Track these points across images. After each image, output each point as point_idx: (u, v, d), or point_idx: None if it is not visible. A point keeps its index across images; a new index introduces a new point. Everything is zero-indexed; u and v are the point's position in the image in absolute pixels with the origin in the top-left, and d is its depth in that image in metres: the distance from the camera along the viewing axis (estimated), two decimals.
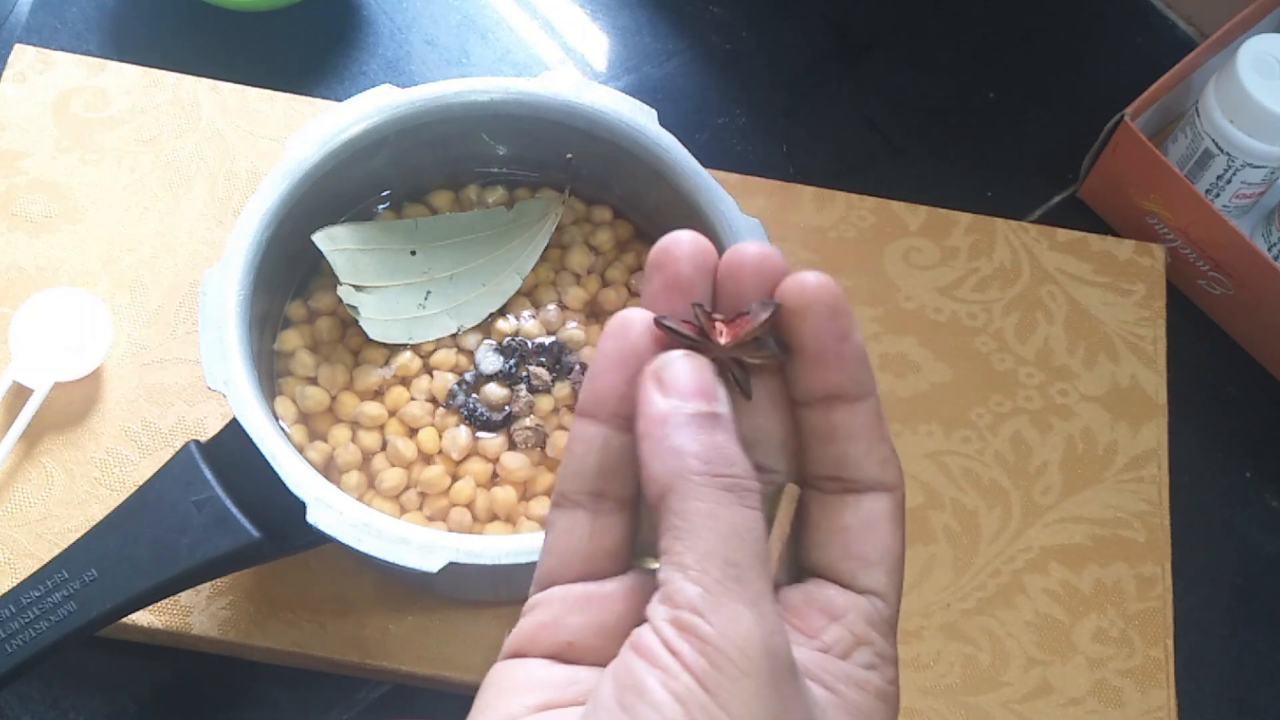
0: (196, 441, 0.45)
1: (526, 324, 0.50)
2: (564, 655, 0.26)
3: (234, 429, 0.44)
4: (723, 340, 0.26)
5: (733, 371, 0.27)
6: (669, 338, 0.26)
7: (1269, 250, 0.60)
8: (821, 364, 0.26)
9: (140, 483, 0.44)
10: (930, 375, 0.56)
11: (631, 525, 0.27)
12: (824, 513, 0.27)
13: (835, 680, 0.25)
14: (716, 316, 0.26)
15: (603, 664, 0.25)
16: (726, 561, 0.23)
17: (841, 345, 0.26)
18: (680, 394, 0.25)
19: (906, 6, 0.69)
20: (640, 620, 0.25)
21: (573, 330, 0.50)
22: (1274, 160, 0.57)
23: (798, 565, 0.27)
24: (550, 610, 0.26)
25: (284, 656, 0.50)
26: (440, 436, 0.48)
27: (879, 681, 0.25)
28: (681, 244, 0.26)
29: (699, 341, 0.26)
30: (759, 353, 0.26)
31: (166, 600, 0.47)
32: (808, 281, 0.26)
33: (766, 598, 0.23)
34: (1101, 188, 0.62)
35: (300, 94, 0.60)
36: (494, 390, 0.49)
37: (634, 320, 0.26)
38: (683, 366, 0.25)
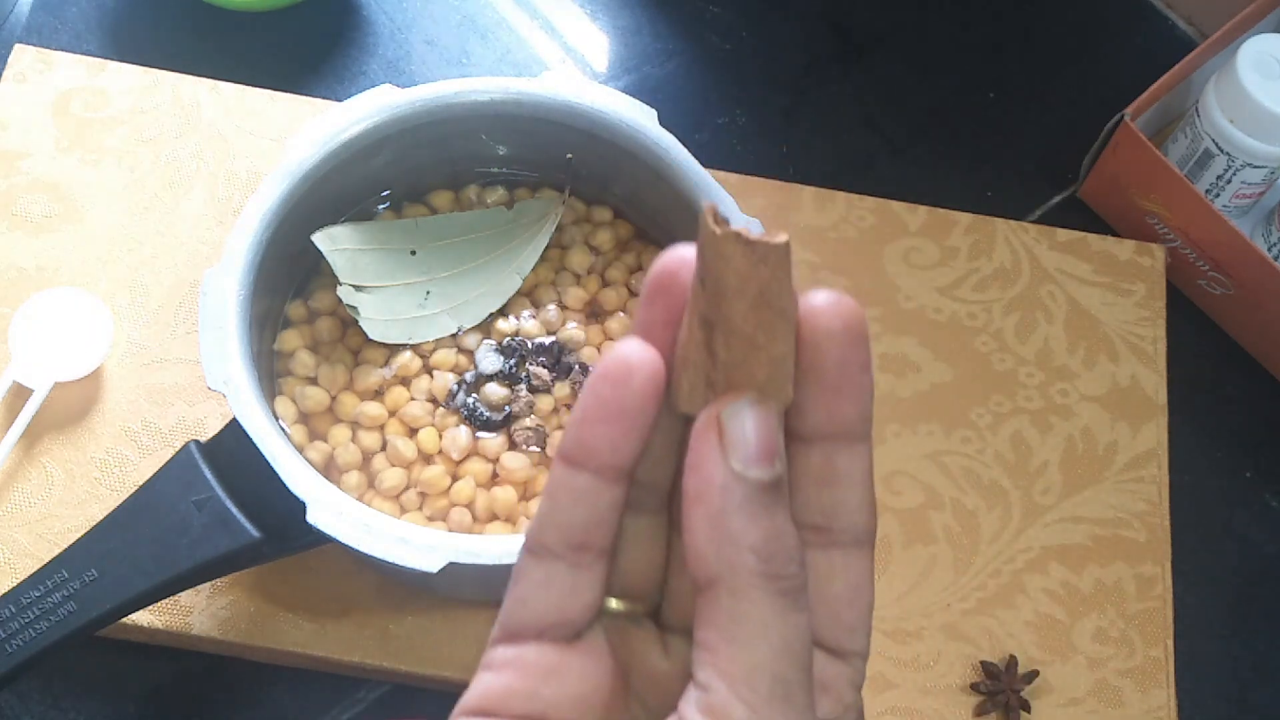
0: (196, 441, 0.45)
1: (526, 324, 0.50)
2: None
3: (234, 429, 0.44)
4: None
5: None
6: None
7: (1269, 250, 0.60)
8: (840, 395, 0.24)
9: (140, 483, 0.44)
10: (930, 375, 0.56)
11: (608, 573, 0.25)
12: (812, 576, 0.25)
13: None
14: None
15: None
16: (775, 678, 0.22)
17: (862, 378, 0.24)
18: (745, 457, 0.22)
19: (906, 6, 0.69)
20: (617, 688, 0.24)
21: (573, 330, 0.50)
22: (1274, 160, 0.57)
23: None
24: (522, 675, 0.25)
25: (284, 656, 0.50)
26: (440, 436, 0.48)
27: None
28: (689, 264, 0.24)
29: None
30: None
31: (166, 600, 0.47)
32: (837, 304, 0.23)
33: (810, 713, 0.23)
34: (1101, 188, 0.62)
35: (300, 94, 0.60)
36: (494, 390, 0.49)
37: (636, 366, 0.23)
38: (751, 420, 0.23)
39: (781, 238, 0.23)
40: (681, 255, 0.24)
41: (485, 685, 0.25)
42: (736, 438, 0.23)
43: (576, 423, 0.24)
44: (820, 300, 0.23)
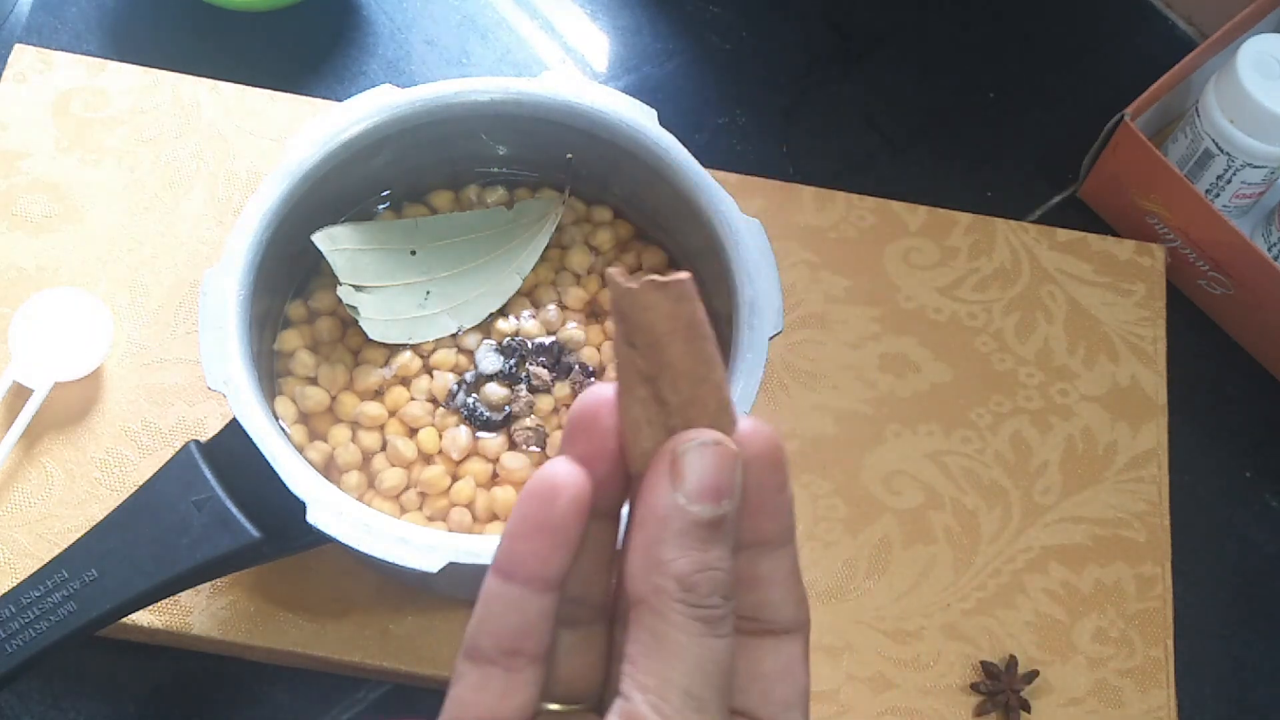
0: (196, 441, 0.45)
1: (526, 324, 0.50)
2: None
3: (234, 429, 0.44)
4: None
5: None
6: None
7: (1269, 250, 0.60)
8: (758, 513, 0.25)
9: (140, 483, 0.44)
10: (930, 375, 0.56)
11: (542, 679, 0.26)
12: (743, 657, 0.26)
13: None
14: None
15: None
16: (688, 694, 0.23)
17: (779, 497, 0.25)
18: (689, 492, 0.24)
19: (906, 6, 0.69)
20: None
21: (573, 330, 0.50)
22: (1274, 160, 0.57)
23: None
24: None
25: (284, 656, 0.50)
26: (440, 436, 0.48)
27: None
28: (607, 403, 0.25)
29: None
30: None
31: (166, 600, 0.47)
32: (756, 433, 0.25)
33: None
34: (1101, 188, 0.62)
35: (300, 94, 0.60)
36: (494, 390, 0.49)
37: (562, 485, 0.25)
38: (706, 458, 0.24)
39: (684, 274, 0.24)
40: (598, 394, 0.25)
41: None
42: (687, 473, 0.24)
43: (507, 536, 0.25)
44: (741, 428, 0.25)
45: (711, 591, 0.24)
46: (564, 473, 0.25)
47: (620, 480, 0.26)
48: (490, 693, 0.26)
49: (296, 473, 0.42)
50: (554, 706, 0.26)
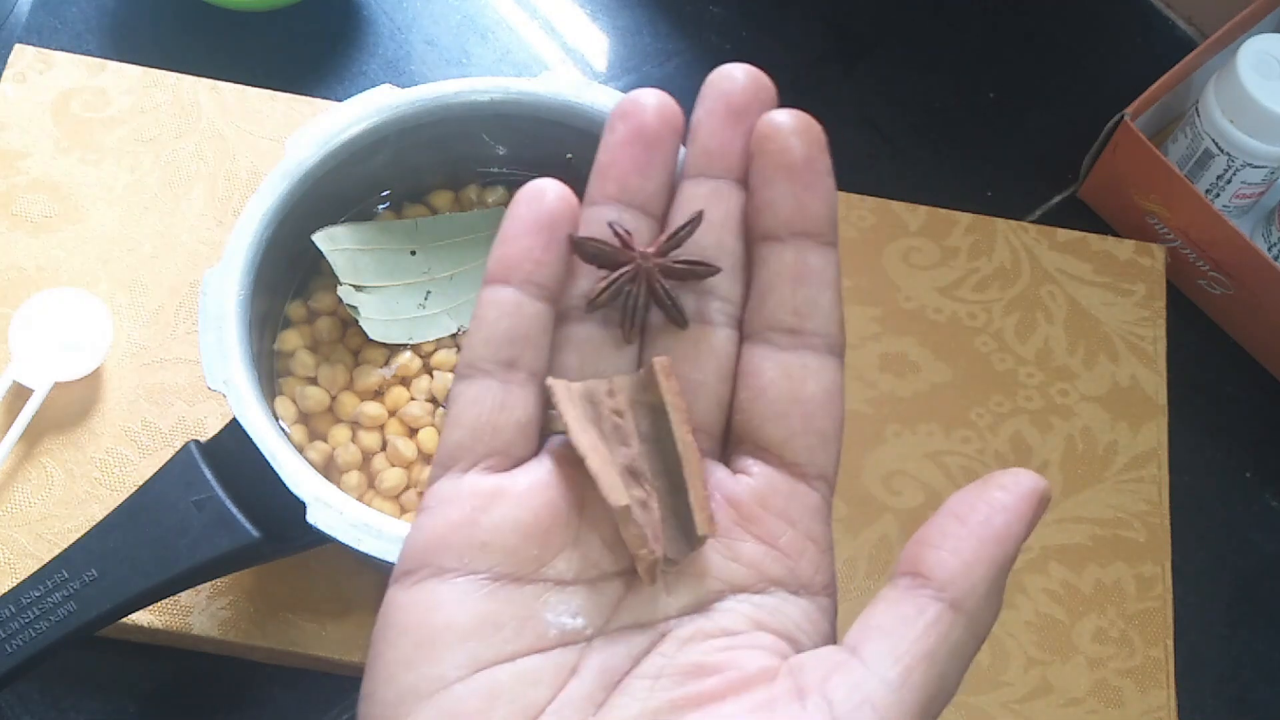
0: (196, 441, 0.45)
1: None
2: (476, 563, 0.24)
3: (234, 429, 0.44)
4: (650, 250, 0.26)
5: (662, 292, 0.26)
6: (587, 248, 0.25)
7: (1269, 250, 0.60)
8: (810, 190, 0.25)
9: (140, 483, 0.44)
10: (930, 375, 0.56)
11: (543, 400, 0.25)
12: (783, 377, 0.25)
13: (799, 586, 0.25)
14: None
15: (518, 569, 0.24)
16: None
17: (827, 179, 0.25)
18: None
19: (906, 7, 0.69)
20: (561, 514, 0.24)
21: None
22: (1274, 160, 0.57)
23: (736, 433, 0.26)
24: (460, 507, 0.24)
25: (284, 656, 0.50)
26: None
27: (823, 579, 0.25)
28: (648, 95, 0.26)
29: (620, 251, 0.26)
30: (689, 263, 0.26)
31: (166, 600, 0.47)
32: (798, 115, 0.26)
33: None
34: (1101, 188, 0.62)
35: (300, 94, 0.60)
36: None
37: (549, 187, 0.25)
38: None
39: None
40: (644, 90, 0.26)
41: (422, 529, 0.25)
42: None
43: (497, 244, 0.25)
44: (781, 113, 0.25)
45: None
46: (550, 181, 0.25)
47: None
48: (486, 405, 0.25)
49: (296, 473, 0.42)
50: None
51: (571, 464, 0.25)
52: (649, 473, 0.25)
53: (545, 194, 0.25)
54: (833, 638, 0.25)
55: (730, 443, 0.26)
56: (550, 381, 0.25)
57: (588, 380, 0.25)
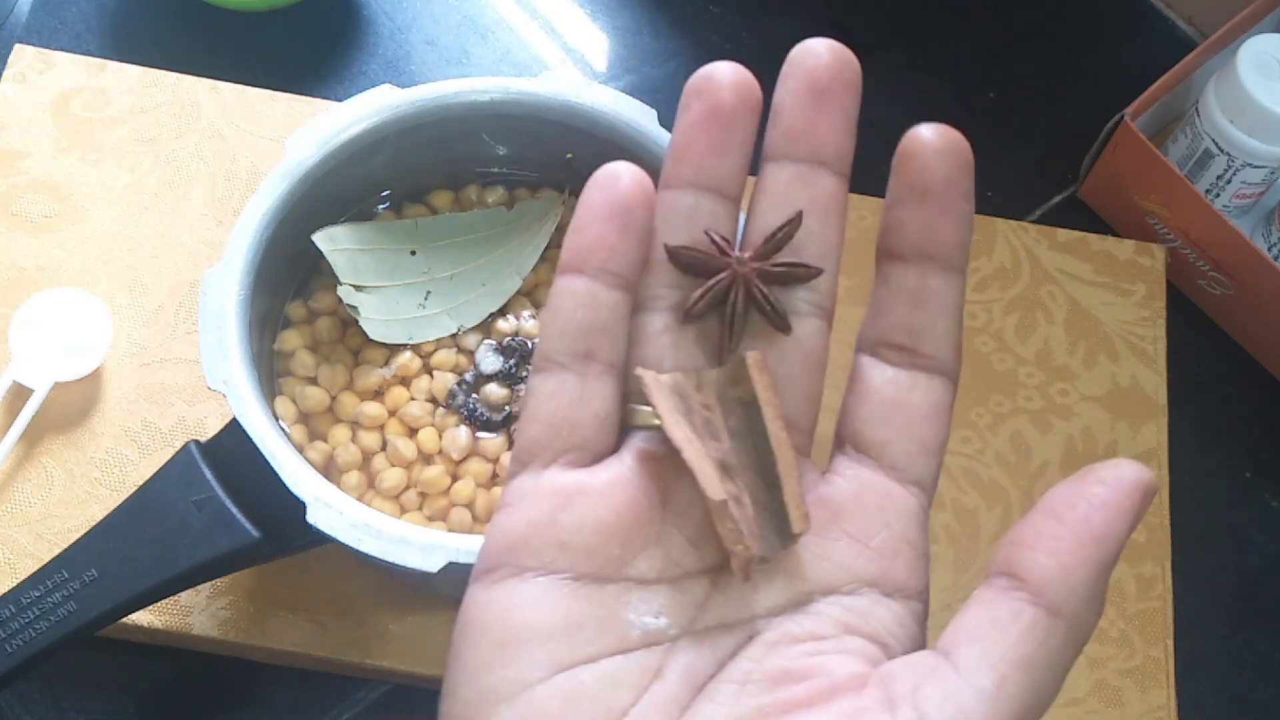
0: (196, 441, 0.45)
1: (526, 324, 0.50)
2: (556, 562, 0.23)
3: (234, 429, 0.44)
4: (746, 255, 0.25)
5: (761, 297, 0.25)
6: (682, 257, 0.25)
7: (1269, 250, 0.60)
8: (943, 215, 0.24)
9: (140, 483, 0.44)
10: None
11: (622, 391, 0.25)
12: (888, 385, 0.25)
13: (892, 589, 0.24)
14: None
15: (599, 569, 0.23)
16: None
17: (965, 205, 0.25)
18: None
19: (907, 7, 0.69)
20: (643, 512, 0.24)
21: None
22: (1274, 160, 0.57)
23: (838, 435, 0.26)
24: (540, 505, 0.24)
25: (284, 656, 0.50)
26: (440, 436, 0.48)
27: (918, 584, 0.25)
28: (724, 71, 0.25)
29: (716, 258, 0.25)
30: (788, 265, 0.25)
31: (166, 600, 0.47)
32: (947, 131, 0.25)
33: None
34: (1101, 188, 0.62)
35: (300, 94, 0.60)
36: (494, 390, 0.49)
37: (623, 172, 0.24)
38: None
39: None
40: (719, 64, 0.25)
41: (501, 527, 0.24)
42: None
43: (571, 232, 0.24)
44: (928, 129, 0.25)
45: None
46: (625, 165, 0.25)
47: None
48: (563, 398, 0.24)
49: (296, 473, 0.42)
50: (654, 421, 0.24)
51: (654, 459, 0.24)
52: (740, 468, 0.24)
53: (620, 179, 0.24)
54: (923, 644, 0.25)
55: (833, 445, 0.26)
56: (640, 371, 0.24)
57: (674, 373, 0.25)
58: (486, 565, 0.24)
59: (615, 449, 0.25)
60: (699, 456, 0.23)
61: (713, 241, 0.25)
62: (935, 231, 0.25)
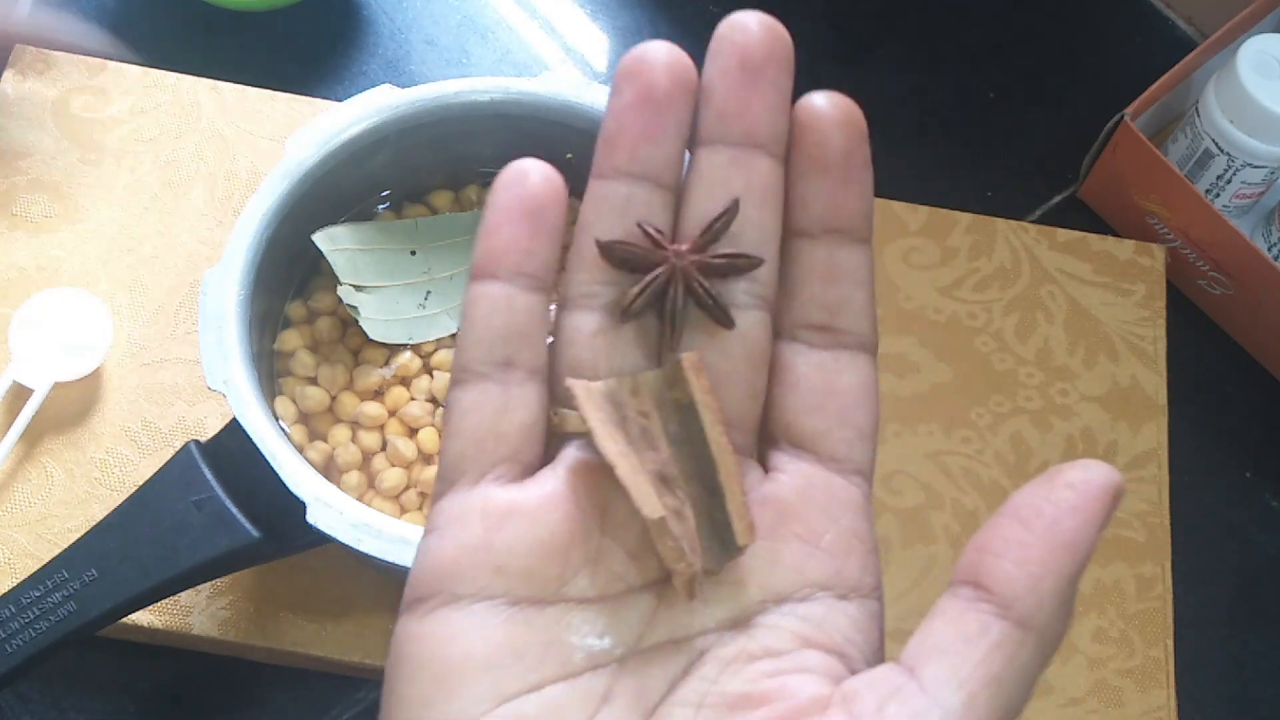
0: (196, 441, 0.45)
1: None
2: (491, 588, 0.22)
3: (234, 429, 0.44)
4: (683, 248, 0.24)
5: (702, 291, 0.24)
6: (616, 252, 0.24)
7: (1269, 250, 0.60)
8: (845, 186, 0.24)
9: (140, 483, 0.44)
10: (930, 375, 0.56)
11: (545, 397, 0.24)
12: (816, 371, 0.24)
13: (846, 589, 0.23)
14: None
15: (538, 591, 0.22)
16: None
17: (865, 173, 0.24)
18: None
19: (907, 6, 0.69)
20: (581, 527, 0.22)
21: None
22: (1274, 160, 0.57)
23: (770, 429, 0.25)
24: (471, 528, 0.23)
25: (284, 656, 0.50)
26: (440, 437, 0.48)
27: (871, 580, 0.24)
28: (657, 51, 0.24)
29: (652, 251, 0.24)
30: (728, 256, 0.24)
31: (166, 600, 0.47)
32: (840, 100, 0.24)
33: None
34: (1101, 188, 0.62)
35: (300, 94, 0.60)
36: None
37: (531, 169, 0.23)
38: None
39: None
40: (651, 44, 0.24)
41: (431, 553, 0.23)
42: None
43: (481, 237, 0.23)
44: (821, 98, 0.24)
45: None
46: (531, 161, 0.24)
47: None
48: (485, 411, 0.23)
49: (296, 473, 0.42)
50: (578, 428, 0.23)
51: (588, 471, 0.23)
52: (681, 478, 0.23)
53: (527, 176, 0.23)
54: (882, 645, 0.24)
55: (764, 440, 0.25)
56: (570, 381, 0.23)
57: (608, 380, 0.24)
58: (417, 594, 0.23)
59: (547, 458, 0.24)
60: (633, 472, 0.22)
61: (647, 234, 0.24)
62: (840, 205, 0.24)
